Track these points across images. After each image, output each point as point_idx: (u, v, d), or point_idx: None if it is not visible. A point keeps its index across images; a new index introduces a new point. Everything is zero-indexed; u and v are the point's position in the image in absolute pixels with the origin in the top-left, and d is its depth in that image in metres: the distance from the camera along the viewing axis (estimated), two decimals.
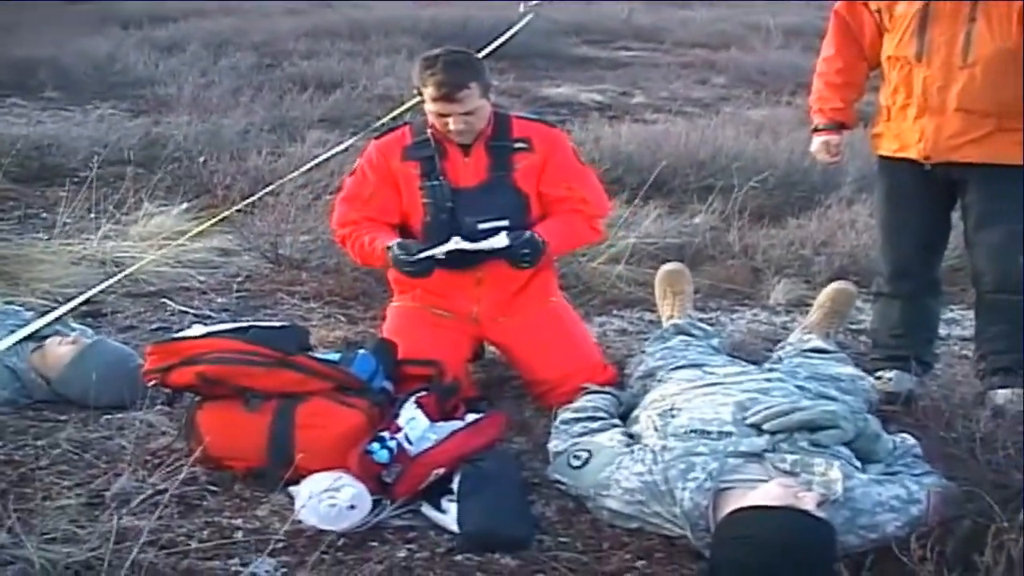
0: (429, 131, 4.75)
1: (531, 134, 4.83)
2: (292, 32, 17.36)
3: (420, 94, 4.71)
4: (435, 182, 4.73)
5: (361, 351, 4.29)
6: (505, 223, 4.71)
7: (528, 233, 4.65)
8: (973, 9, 4.47)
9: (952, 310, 5.96)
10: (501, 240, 4.61)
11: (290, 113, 10.91)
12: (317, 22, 18.79)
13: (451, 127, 4.63)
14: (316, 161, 7.21)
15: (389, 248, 4.61)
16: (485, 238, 4.63)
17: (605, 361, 4.92)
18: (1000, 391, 4.63)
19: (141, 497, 3.64)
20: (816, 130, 5.02)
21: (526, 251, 4.63)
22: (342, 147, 7.53)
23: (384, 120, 8.02)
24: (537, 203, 4.84)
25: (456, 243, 4.59)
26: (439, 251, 4.56)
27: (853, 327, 5.66)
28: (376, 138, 4.95)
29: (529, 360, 4.83)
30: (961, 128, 4.55)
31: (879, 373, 4.87)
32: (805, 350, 4.88)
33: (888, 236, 4.95)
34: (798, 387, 4.20)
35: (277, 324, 4.65)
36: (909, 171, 4.74)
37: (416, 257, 4.56)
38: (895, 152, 4.75)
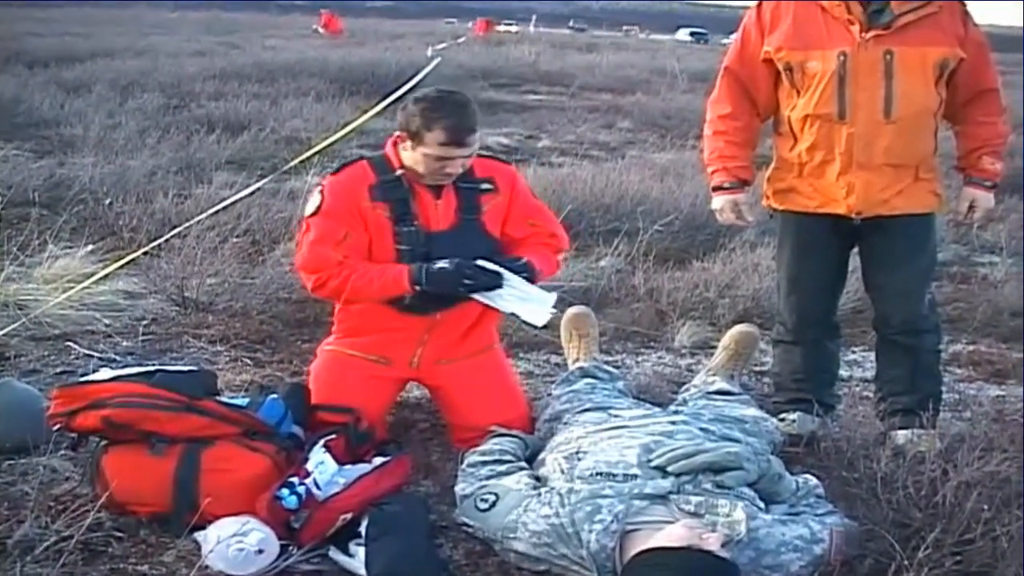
0: (400, 171, 4.58)
1: (492, 173, 4.73)
2: (200, 74, 17.33)
3: (411, 136, 4.47)
4: (410, 227, 4.57)
5: (272, 396, 4.28)
6: None
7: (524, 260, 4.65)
8: (889, 66, 4.50)
9: (854, 352, 6.06)
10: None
11: (197, 155, 10.89)
12: (224, 64, 18.78)
13: (448, 171, 4.50)
14: (224, 204, 7.15)
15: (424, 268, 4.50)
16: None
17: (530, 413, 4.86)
18: (900, 432, 4.70)
19: (45, 544, 3.58)
20: (720, 188, 4.92)
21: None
22: (249, 190, 7.48)
23: (293, 163, 7.99)
24: (502, 245, 4.76)
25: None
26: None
27: (757, 369, 5.73)
28: (333, 174, 4.67)
29: (467, 406, 4.70)
30: (888, 181, 4.62)
31: (782, 415, 4.94)
32: (710, 392, 4.94)
33: (794, 287, 4.96)
34: (702, 429, 4.24)
35: (185, 368, 4.61)
36: (821, 225, 4.76)
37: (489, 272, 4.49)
38: (816, 208, 4.73)
